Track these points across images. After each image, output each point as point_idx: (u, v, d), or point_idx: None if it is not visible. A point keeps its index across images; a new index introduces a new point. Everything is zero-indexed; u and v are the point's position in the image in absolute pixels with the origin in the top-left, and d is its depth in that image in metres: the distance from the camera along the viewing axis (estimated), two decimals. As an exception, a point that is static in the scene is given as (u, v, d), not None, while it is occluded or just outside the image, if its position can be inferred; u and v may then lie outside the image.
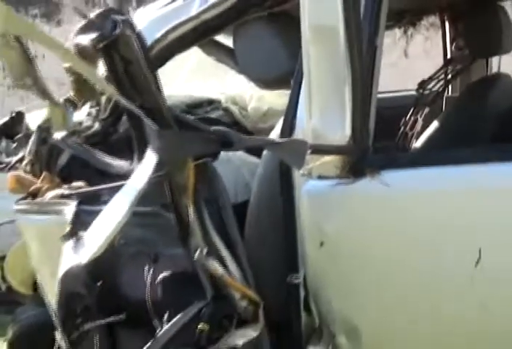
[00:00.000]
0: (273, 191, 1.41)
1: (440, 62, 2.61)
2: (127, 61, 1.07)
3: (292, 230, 1.35)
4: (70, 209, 1.27)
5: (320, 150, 1.16)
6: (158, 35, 1.51)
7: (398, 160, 1.24)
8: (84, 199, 1.37)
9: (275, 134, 1.39)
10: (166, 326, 1.23)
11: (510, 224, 1.11)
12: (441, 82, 2.48)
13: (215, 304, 1.24)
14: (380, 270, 1.21)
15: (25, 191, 1.81)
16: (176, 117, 1.14)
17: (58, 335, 2.57)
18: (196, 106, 2.47)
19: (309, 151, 1.09)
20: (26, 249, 2.53)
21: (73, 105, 1.73)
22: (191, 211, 1.16)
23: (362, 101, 1.20)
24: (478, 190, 1.13)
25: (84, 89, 1.64)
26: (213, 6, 1.52)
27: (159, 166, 1.02)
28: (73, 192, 1.51)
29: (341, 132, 1.20)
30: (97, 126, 1.88)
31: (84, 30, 1.15)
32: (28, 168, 1.90)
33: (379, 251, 1.21)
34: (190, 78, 2.77)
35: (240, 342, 1.25)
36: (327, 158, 1.21)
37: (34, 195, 1.75)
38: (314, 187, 1.25)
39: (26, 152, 1.94)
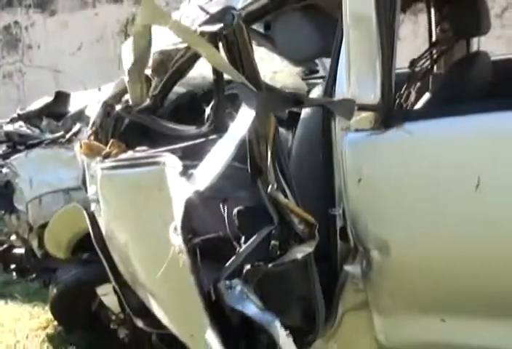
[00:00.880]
0: (312, 145, 1.85)
1: (426, 43, 3.07)
2: (240, 44, 1.49)
3: (331, 173, 1.79)
4: (170, 157, 1.66)
5: (359, 107, 1.60)
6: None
7: (417, 113, 1.69)
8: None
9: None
10: (244, 246, 1.66)
11: (503, 161, 1.56)
12: (429, 61, 2.95)
13: (281, 227, 1.67)
14: (405, 198, 1.66)
15: (96, 155, 2.21)
16: (264, 83, 1.56)
17: (100, 290, 2.97)
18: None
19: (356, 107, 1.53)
20: (68, 217, 2.92)
21: (148, 81, 2.10)
22: (269, 156, 1.58)
23: (388, 71, 1.64)
24: (480, 135, 1.58)
25: (160, 69, 2.02)
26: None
27: (256, 118, 1.44)
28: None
29: (373, 95, 1.64)
30: (147, 101, 2.29)
31: (208, 21, 1.55)
32: (93, 137, 2.29)
33: (403, 183, 1.66)
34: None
35: (299, 256, 1.69)
36: (363, 114, 1.65)
37: (105, 157, 2.15)
38: (353, 138, 1.69)
39: (90, 124, 2.32)
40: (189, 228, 1.53)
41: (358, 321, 1.93)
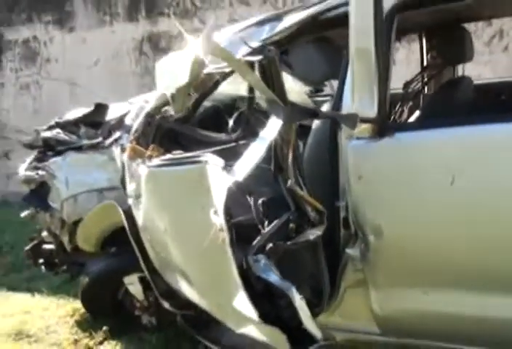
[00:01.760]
0: (320, 149, 2.35)
1: (418, 67, 3.58)
2: (272, 70, 1.99)
3: (336, 173, 2.29)
4: (212, 157, 2.14)
5: (361, 120, 2.10)
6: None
7: (404, 125, 2.19)
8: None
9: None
10: (267, 228, 2.14)
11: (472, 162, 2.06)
12: (420, 83, 3.46)
13: (297, 213, 2.16)
14: (395, 191, 2.15)
15: (139, 157, 2.69)
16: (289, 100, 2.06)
17: (126, 280, 3.43)
18: (239, 100, 3.39)
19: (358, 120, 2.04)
20: (103, 212, 3.38)
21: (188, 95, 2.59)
22: (290, 156, 2.07)
23: (383, 92, 2.15)
24: (452, 142, 2.08)
25: (200, 87, 2.51)
26: (279, 32, 2.46)
27: (282, 126, 1.94)
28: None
29: (372, 110, 2.14)
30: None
31: (250, 54, 2.06)
32: (135, 142, 2.77)
33: (394, 180, 2.15)
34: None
35: (311, 237, 2.18)
36: (363, 126, 2.15)
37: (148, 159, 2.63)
38: (355, 144, 2.19)
39: (132, 131, 2.81)
40: (228, 211, 2.00)
41: (357, 296, 2.40)
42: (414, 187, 2.13)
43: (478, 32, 4.52)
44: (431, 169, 2.11)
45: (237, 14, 5.67)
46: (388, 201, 2.18)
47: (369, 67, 2.12)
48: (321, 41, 2.49)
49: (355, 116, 2.05)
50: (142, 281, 3.37)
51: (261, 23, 2.59)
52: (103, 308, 3.56)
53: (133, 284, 3.42)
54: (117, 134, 3.13)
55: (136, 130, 2.78)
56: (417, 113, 3.06)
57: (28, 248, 3.95)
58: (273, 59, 1.98)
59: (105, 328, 3.15)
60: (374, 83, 2.12)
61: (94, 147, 3.43)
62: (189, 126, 2.62)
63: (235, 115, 2.88)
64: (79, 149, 3.48)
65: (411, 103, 3.33)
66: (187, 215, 2.37)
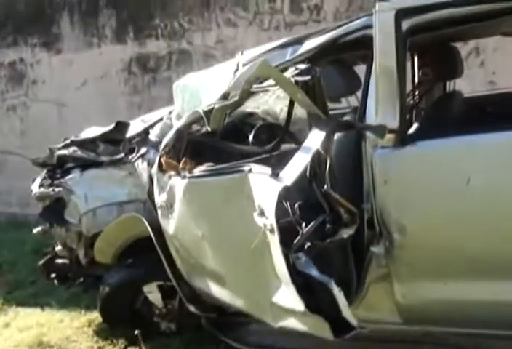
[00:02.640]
0: (344, 158, 2.64)
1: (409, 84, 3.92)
2: (317, 88, 2.28)
3: (360, 178, 2.58)
4: (256, 166, 2.40)
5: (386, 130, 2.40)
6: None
7: (425, 135, 2.51)
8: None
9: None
10: (306, 228, 2.41)
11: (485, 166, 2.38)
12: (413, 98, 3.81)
13: (332, 215, 2.43)
14: (417, 193, 2.46)
15: (172, 170, 2.93)
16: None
17: (146, 289, 3.63)
18: (247, 116, 3.67)
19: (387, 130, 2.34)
20: (123, 225, 3.59)
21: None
22: (328, 164, 2.34)
23: (403, 106, 2.46)
24: (466, 148, 2.40)
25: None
26: (301, 54, 2.76)
27: (325, 136, 2.22)
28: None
29: (394, 122, 2.45)
30: (204, 128, 3.06)
31: (299, 74, 2.34)
32: (165, 156, 3.01)
33: (416, 183, 2.46)
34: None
35: (345, 236, 2.45)
36: (387, 135, 2.46)
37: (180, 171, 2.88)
38: (381, 152, 2.49)
39: (162, 146, 3.05)
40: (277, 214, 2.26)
41: (380, 290, 2.68)
42: (434, 188, 2.44)
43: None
44: (449, 171, 2.42)
45: (224, 36, 5.96)
46: (411, 202, 2.48)
47: (391, 84, 2.43)
48: (338, 63, 2.80)
49: (383, 127, 2.35)
50: (161, 289, 3.60)
51: (283, 46, 2.89)
52: (121, 317, 3.75)
53: (152, 292, 3.64)
54: (143, 150, 3.37)
55: (166, 145, 3.03)
56: (415, 125, 3.39)
57: (41, 262, 4.12)
58: (319, 79, 2.27)
59: (136, 331, 3.33)
60: (396, 97, 2.44)
61: (114, 163, 3.65)
62: (217, 139, 2.89)
63: (254, 129, 3.15)
64: (98, 165, 3.69)
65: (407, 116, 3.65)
66: (226, 221, 2.62)
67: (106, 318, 3.83)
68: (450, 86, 3.73)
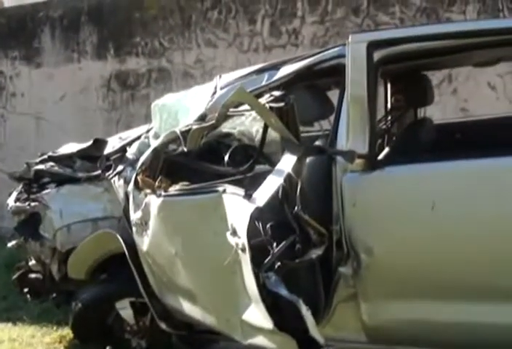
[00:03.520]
0: (316, 181, 2.75)
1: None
2: (289, 114, 2.40)
3: (330, 200, 2.69)
4: (230, 187, 2.50)
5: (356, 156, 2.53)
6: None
7: (393, 160, 2.63)
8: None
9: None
10: (276, 248, 2.50)
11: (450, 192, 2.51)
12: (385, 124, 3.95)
13: (301, 236, 2.53)
14: (384, 216, 2.58)
15: (148, 188, 3.01)
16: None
17: (118, 305, 3.68)
18: (223, 136, 3.77)
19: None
20: (97, 241, 3.65)
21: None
22: (299, 186, 2.45)
23: (373, 132, 2.59)
24: (433, 174, 2.53)
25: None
26: (277, 80, 2.88)
27: (297, 160, 2.34)
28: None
29: (364, 147, 2.58)
30: (180, 148, 3.15)
31: (273, 100, 2.45)
32: (141, 175, 3.09)
33: (384, 206, 2.58)
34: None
35: (313, 256, 2.55)
36: (357, 160, 2.58)
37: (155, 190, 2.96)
38: (350, 177, 2.61)
39: (139, 165, 3.13)
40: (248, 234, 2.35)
41: (348, 310, 2.78)
42: (400, 212, 2.57)
43: (429, 76, 5.11)
44: (414, 196, 2.55)
45: (204, 56, 6.09)
46: (378, 225, 2.60)
47: (362, 112, 2.56)
48: (312, 88, 2.92)
49: (353, 153, 2.48)
50: (133, 305, 3.64)
51: (260, 71, 3.01)
52: (93, 333, 3.79)
53: (124, 309, 3.67)
54: (120, 167, 3.44)
55: (143, 163, 3.11)
56: (386, 150, 3.52)
57: (15, 277, 4.14)
58: (292, 106, 2.40)
59: (107, 348, 3.38)
60: (366, 124, 2.56)
61: (90, 180, 3.71)
62: (193, 159, 2.98)
63: (230, 150, 3.26)
64: (75, 181, 3.75)
65: (379, 141, 3.79)
66: (199, 239, 2.71)
67: (78, 334, 3.85)
68: (421, 112, 3.87)
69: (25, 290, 4.18)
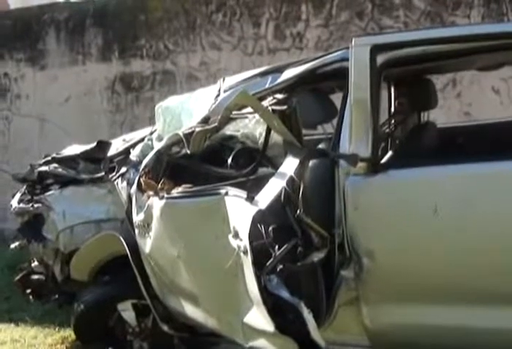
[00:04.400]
0: (318, 184, 2.75)
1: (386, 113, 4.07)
2: (292, 118, 2.41)
3: (332, 203, 2.69)
4: (233, 189, 2.50)
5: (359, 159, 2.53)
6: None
7: (396, 164, 2.64)
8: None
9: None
10: (278, 251, 2.51)
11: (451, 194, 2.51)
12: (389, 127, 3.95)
13: (303, 239, 2.54)
14: (387, 219, 2.58)
15: (150, 190, 3.02)
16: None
17: (120, 307, 3.69)
18: (227, 139, 3.78)
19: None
20: (101, 242, 3.66)
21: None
22: (301, 189, 2.46)
23: (376, 135, 2.59)
24: (434, 179, 2.53)
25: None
26: (281, 83, 2.89)
27: (299, 164, 2.34)
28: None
29: (366, 151, 2.58)
30: (183, 150, 3.16)
31: (276, 103, 2.46)
32: (144, 177, 3.10)
33: (386, 210, 2.58)
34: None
35: (315, 259, 2.56)
36: (360, 164, 2.58)
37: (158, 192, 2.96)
38: (353, 180, 2.61)
39: (142, 167, 3.14)
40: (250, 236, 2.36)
41: (349, 313, 2.78)
42: (402, 215, 2.57)
43: (434, 80, 5.12)
44: (417, 200, 2.55)
45: (208, 58, 6.10)
46: (381, 228, 2.60)
47: (365, 115, 2.57)
48: (315, 91, 2.93)
49: (356, 156, 2.48)
50: (135, 307, 3.65)
51: (263, 74, 3.02)
52: (95, 335, 3.79)
53: (127, 310, 3.67)
54: (123, 169, 3.45)
55: (146, 165, 3.12)
56: (389, 154, 3.52)
57: (17, 278, 4.14)
58: (295, 109, 2.40)
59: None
60: (369, 128, 2.57)
61: (93, 182, 3.72)
62: (196, 162, 2.99)
63: (233, 152, 3.26)
64: (78, 183, 3.76)
65: (382, 145, 3.79)
66: (201, 241, 2.71)
67: (80, 336, 3.85)
68: (425, 116, 3.86)
69: (28, 291, 4.19)
